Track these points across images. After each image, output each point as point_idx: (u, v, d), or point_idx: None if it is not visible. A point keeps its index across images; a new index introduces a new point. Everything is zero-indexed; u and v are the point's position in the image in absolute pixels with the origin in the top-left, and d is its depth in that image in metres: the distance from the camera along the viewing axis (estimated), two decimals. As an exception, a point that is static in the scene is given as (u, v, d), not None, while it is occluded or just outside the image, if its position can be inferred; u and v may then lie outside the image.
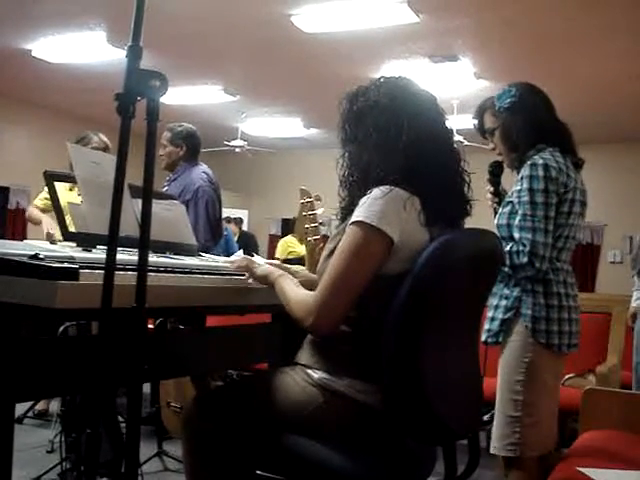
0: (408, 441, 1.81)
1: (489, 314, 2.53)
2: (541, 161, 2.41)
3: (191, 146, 4.55)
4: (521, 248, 2.38)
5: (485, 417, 2.74)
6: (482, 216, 2.58)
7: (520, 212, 2.41)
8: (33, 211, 4.78)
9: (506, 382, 2.45)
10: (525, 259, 2.37)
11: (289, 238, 8.93)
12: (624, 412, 2.72)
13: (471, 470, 1.89)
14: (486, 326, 2.53)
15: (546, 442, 2.48)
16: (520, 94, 2.52)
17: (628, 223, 10.31)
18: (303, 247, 9.22)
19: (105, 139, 4.60)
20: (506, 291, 2.48)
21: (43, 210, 4.69)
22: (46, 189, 4.69)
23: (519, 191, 2.43)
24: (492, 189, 2.70)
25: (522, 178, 2.43)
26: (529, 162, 2.44)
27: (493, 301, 2.53)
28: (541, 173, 2.39)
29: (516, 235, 2.41)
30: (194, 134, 4.59)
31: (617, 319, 4.48)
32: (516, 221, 2.42)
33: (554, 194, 2.40)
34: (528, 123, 2.50)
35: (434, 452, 1.93)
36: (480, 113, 2.69)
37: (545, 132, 2.50)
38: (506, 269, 2.43)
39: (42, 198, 4.75)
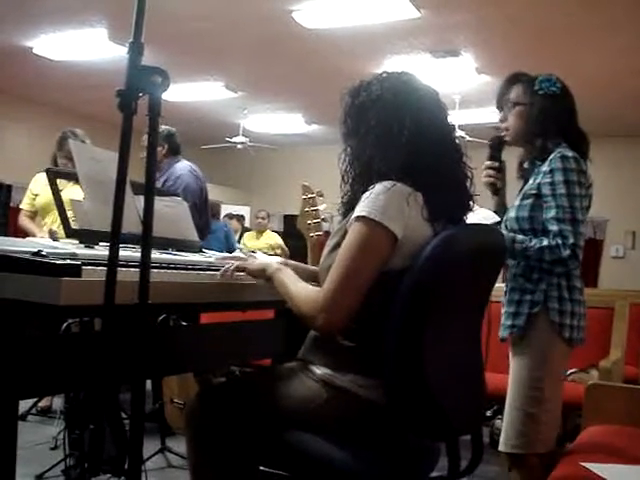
0: (411, 437, 1.81)
1: (510, 309, 2.46)
2: (570, 154, 2.38)
3: (172, 145, 4.80)
4: (560, 241, 2.32)
5: (488, 412, 2.73)
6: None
7: (556, 204, 2.35)
8: (24, 221, 4.87)
9: (527, 379, 2.39)
10: (568, 252, 2.32)
11: (247, 233, 9.30)
12: (628, 407, 2.72)
13: (474, 465, 1.89)
14: (508, 322, 2.45)
15: (554, 438, 2.44)
16: (563, 89, 2.48)
17: (631, 218, 10.30)
18: (256, 242, 9.27)
19: (83, 139, 4.64)
20: (529, 285, 2.42)
21: (33, 213, 4.79)
22: (30, 189, 4.82)
23: (551, 184, 2.37)
24: (496, 164, 2.61)
25: (552, 170, 2.37)
26: (557, 155, 2.38)
27: (514, 296, 2.46)
28: (574, 165, 2.36)
29: (554, 228, 2.34)
30: (174, 134, 4.84)
31: (620, 314, 4.48)
32: (551, 213, 2.36)
33: (584, 187, 2.39)
34: (563, 118, 2.47)
35: (437, 447, 1.93)
36: (511, 82, 2.58)
37: (570, 133, 2.47)
38: (545, 265, 2.36)
39: (28, 201, 4.84)
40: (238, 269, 1.93)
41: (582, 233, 2.36)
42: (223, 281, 1.92)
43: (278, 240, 9.18)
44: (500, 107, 2.61)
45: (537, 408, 2.37)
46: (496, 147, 2.62)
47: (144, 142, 4.84)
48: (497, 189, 2.60)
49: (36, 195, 4.75)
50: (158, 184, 4.52)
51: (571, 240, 2.33)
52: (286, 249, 8.89)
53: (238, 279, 1.95)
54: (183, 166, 4.76)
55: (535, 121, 2.48)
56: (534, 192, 2.42)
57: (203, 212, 4.74)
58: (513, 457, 2.44)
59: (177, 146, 4.85)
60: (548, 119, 2.45)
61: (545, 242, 2.35)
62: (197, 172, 4.79)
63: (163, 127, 4.74)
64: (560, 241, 2.33)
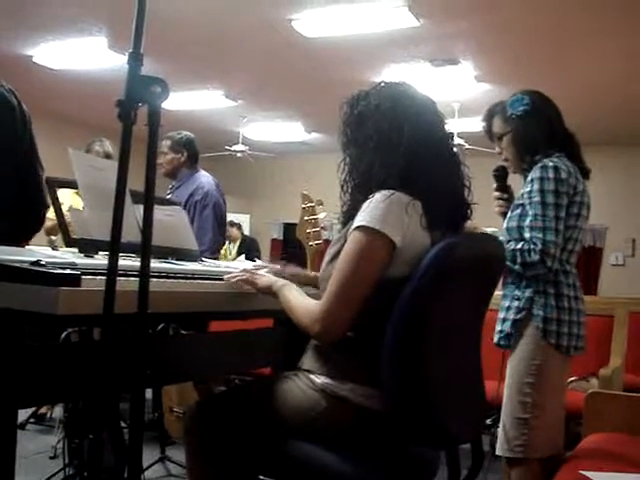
0: (411, 446, 1.81)
1: (500, 315, 2.55)
2: (551, 163, 2.44)
3: (192, 152, 4.66)
4: (532, 247, 2.40)
5: (488, 421, 2.74)
6: (490, 219, 2.60)
7: (531, 212, 2.44)
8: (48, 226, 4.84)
9: (515, 384, 2.46)
10: (537, 257, 2.38)
11: None
12: (627, 415, 2.72)
13: (474, 474, 1.89)
14: (497, 327, 2.55)
15: (552, 444, 2.49)
16: (533, 102, 2.55)
17: (630, 226, 10.30)
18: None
19: (107, 148, 4.67)
20: (517, 292, 2.50)
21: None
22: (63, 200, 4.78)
23: (529, 192, 2.46)
24: (506, 195, 2.71)
25: (532, 180, 2.46)
26: (539, 165, 2.46)
27: (504, 302, 2.55)
28: (551, 175, 2.42)
29: (527, 235, 2.43)
30: (193, 140, 4.70)
31: (619, 321, 4.47)
32: (527, 222, 2.44)
33: (564, 195, 2.43)
34: (541, 130, 2.53)
35: (437, 456, 1.93)
36: (489, 117, 2.71)
37: (556, 140, 2.54)
38: (516, 267, 2.44)
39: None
40: (247, 282, 1.95)
41: (553, 241, 2.39)
42: (227, 285, 1.94)
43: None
44: (492, 141, 2.72)
45: (527, 414, 2.43)
46: (501, 176, 2.72)
47: (162, 148, 4.80)
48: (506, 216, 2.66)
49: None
50: (179, 194, 4.43)
51: (539, 247, 2.39)
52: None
53: (239, 288, 1.96)
54: (208, 180, 4.59)
55: (522, 143, 2.57)
56: (520, 202, 2.51)
57: (223, 229, 4.66)
58: (511, 461, 2.49)
59: (197, 153, 4.70)
60: (531, 135, 2.54)
61: (519, 246, 2.44)
62: (219, 186, 4.65)
63: (183, 133, 4.65)
64: (531, 246, 2.40)
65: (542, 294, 2.46)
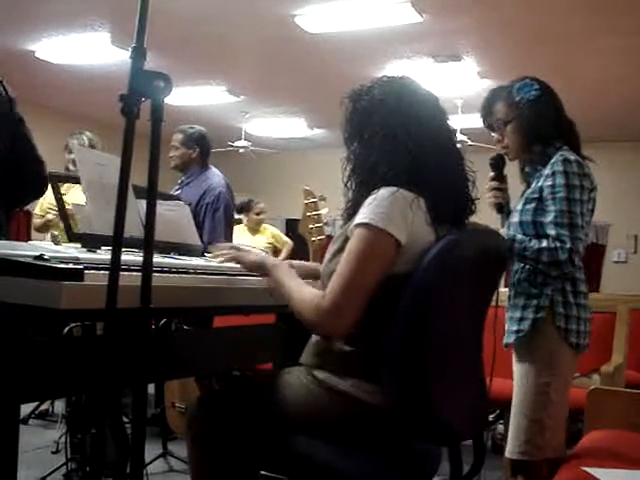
0: (413, 441, 1.81)
1: (516, 314, 2.44)
2: (573, 157, 2.35)
3: (203, 148, 4.61)
4: (559, 244, 2.30)
5: (490, 417, 2.72)
6: (492, 216, 2.57)
7: (555, 208, 2.32)
8: (36, 223, 4.85)
9: (533, 385, 2.38)
10: (565, 256, 2.29)
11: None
12: (629, 411, 2.71)
13: (476, 470, 1.89)
14: (513, 327, 2.43)
15: (563, 443, 2.44)
16: (542, 89, 2.46)
17: (633, 222, 10.29)
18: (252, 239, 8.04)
19: (82, 142, 4.63)
20: (534, 290, 2.40)
21: (45, 225, 4.72)
22: (47, 196, 4.76)
23: (552, 186, 2.34)
24: (503, 186, 2.59)
25: (554, 173, 2.34)
26: (560, 158, 2.36)
27: (518, 301, 2.43)
28: (576, 169, 2.33)
29: (551, 232, 2.32)
30: (205, 136, 4.66)
31: (621, 318, 4.47)
32: (549, 217, 2.34)
33: (587, 191, 2.36)
34: (550, 118, 2.44)
35: (439, 452, 1.93)
36: (490, 103, 2.57)
37: (563, 130, 2.46)
38: (540, 266, 2.34)
39: (45, 208, 4.73)
40: (233, 259, 1.93)
41: (580, 238, 2.32)
42: (229, 280, 1.92)
43: (282, 237, 7.63)
44: (490, 127, 2.60)
45: (542, 413, 2.35)
46: (498, 165, 2.60)
47: (174, 142, 4.79)
48: (502, 207, 2.58)
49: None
50: (189, 193, 4.30)
51: (568, 245, 2.30)
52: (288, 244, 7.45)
53: (245, 282, 1.95)
54: (219, 181, 4.51)
55: (530, 130, 2.46)
56: (536, 196, 2.40)
57: (231, 230, 4.59)
58: (519, 464, 2.41)
59: (208, 149, 4.64)
60: (541, 123, 2.44)
61: (544, 244, 2.32)
62: (230, 186, 4.57)
63: (196, 127, 4.63)
64: (558, 244, 2.30)
65: (561, 291, 2.38)
